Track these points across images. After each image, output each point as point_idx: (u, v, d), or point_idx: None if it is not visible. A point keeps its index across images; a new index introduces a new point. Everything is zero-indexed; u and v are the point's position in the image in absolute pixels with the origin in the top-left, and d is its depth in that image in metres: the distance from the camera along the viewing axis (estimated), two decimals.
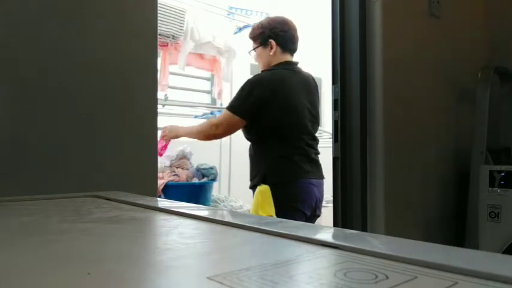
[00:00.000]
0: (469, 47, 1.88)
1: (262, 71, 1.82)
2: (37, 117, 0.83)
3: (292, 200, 1.62)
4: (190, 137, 1.92)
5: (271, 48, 1.78)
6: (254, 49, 1.85)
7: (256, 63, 1.92)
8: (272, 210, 1.54)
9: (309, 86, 1.79)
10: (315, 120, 1.76)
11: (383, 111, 1.46)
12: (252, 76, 1.82)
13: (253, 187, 1.70)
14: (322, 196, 1.72)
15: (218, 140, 3.55)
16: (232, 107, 1.70)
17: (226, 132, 1.83)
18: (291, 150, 1.66)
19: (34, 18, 0.83)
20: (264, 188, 1.58)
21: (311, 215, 1.67)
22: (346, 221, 1.46)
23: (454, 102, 1.81)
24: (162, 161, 2.24)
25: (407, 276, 0.26)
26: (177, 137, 1.98)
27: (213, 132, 1.78)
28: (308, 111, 1.73)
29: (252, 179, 1.73)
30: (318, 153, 1.73)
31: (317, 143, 1.75)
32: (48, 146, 0.84)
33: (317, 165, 1.71)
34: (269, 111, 1.65)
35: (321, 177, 1.72)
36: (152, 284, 0.25)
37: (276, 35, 1.78)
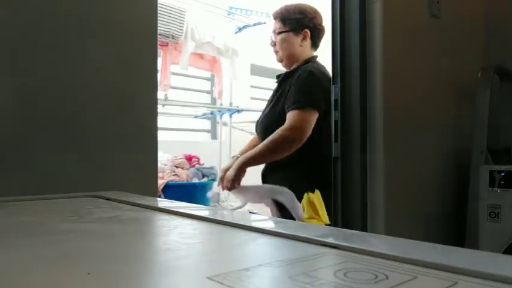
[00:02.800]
0: (469, 47, 1.88)
1: (303, 64, 1.61)
2: (37, 117, 0.83)
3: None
4: (262, 161, 1.57)
5: (304, 39, 1.62)
6: (281, 32, 1.64)
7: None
8: (327, 217, 1.46)
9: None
10: None
11: (383, 111, 1.46)
12: (308, 69, 1.58)
13: (301, 192, 1.47)
14: None
15: (218, 140, 3.56)
16: (299, 103, 1.48)
17: (302, 132, 1.48)
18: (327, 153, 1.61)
19: (34, 19, 0.83)
20: (318, 194, 1.44)
21: None
22: (346, 221, 1.46)
23: (454, 102, 1.81)
24: (162, 161, 2.25)
25: (407, 276, 0.26)
26: (241, 172, 1.52)
27: (288, 137, 1.46)
28: None
29: (293, 184, 1.49)
30: None
31: None
32: (49, 146, 0.84)
33: None
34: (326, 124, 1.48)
35: None
36: (152, 284, 0.25)
37: (314, 27, 1.62)
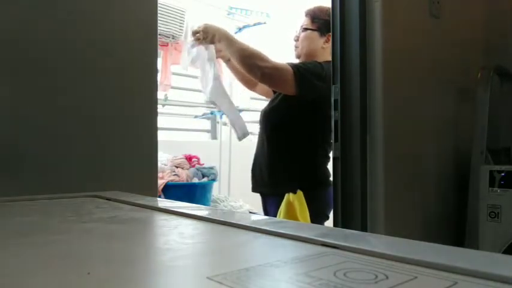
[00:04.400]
0: (469, 47, 1.88)
1: (326, 64, 1.60)
2: (37, 117, 0.83)
3: (325, 206, 1.57)
4: (232, 54, 1.56)
5: (327, 41, 1.61)
6: (307, 29, 1.64)
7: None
8: (308, 218, 1.47)
9: None
10: None
11: (383, 111, 1.46)
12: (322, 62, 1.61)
13: (281, 194, 1.53)
14: None
15: (218, 140, 3.55)
16: (290, 64, 1.50)
17: (271, 75, 1.50)
18: (325, 156, 1.61)
19: (34, 17, 0.83)
20: (300, 195, 1.47)
21: None
22: (346, 221, 1.46)
23: (454, 102, 1.81)
24: (162, 161, 2.25)
25: (407, 276, 0.26)
26: (213, 41, 1.55)
27: (258, 63, 1.47)
28: None
29: (278, 184, 1.56)
30: None
31: None
32: (48, 146, 0.84)
33: None
34: (328, 112, 1.49)
35: None
36: (152, 284, 0.25)
37: None
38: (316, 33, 1.65)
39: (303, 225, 0.43)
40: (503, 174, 1.54)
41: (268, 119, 1.65)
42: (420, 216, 1.63)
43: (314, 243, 0.34)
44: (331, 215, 1.56)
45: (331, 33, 1.57)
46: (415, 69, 1.61)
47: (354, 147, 1.47)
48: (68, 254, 0.32)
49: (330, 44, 1.59)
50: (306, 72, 1.53)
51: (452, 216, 1.75)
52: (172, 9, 2.81)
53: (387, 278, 0.25)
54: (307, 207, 1.47)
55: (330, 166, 1.58)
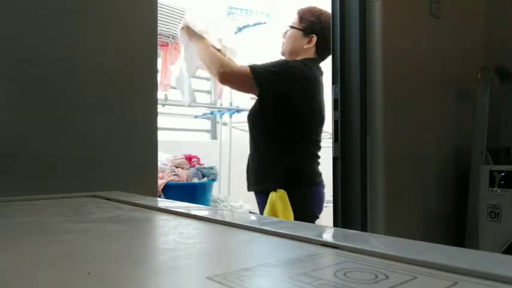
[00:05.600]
0: (469, 47, 1.88)
1: (291, 60, 1.69)
2: (37, 117, 0.83)
3: (311, 206, 1.59)
4: (201, 52, 1.68)
5: (309, 42, 1.66)
6: (293, 28, 1.69)
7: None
8: (291, 217, 1.50)
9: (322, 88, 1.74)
10: (323, 124, 1.73)
11: (383, 111, 1.46)
12: (284, 59, 1.69)
13: (264, 191, 1.58)
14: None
15: (218, 140, 3.55)
16: (251, 64, 1.58)
17: (229, 75, 1.60)
18: (310, 154, 1.63)
19: (34, 18, 0.83)
20: (282, 194, 1.49)
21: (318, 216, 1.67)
22: (346, 221, 1.46)
23: (454, 102, 1.81)
24: (162, 161, 2.24)
25: (407, 276, 0.26)
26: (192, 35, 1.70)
27: (218, 67, 1.58)
28: (323, 114, 1.70)
29: (261, 182, 1.61)
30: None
31: None
32: (48, 145, 0.84)
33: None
34: (296, 107, 1.55)
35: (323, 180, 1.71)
36: (152, 284, 0.25)
37: (323, 35, 1.64)
38: (300, 33, 1.68)
39: (303, 225, 0.43)
40: (503, 174, 1.54)
41: (250, 121, 1.70)
42: (420, 216, 1.63)
43: (314, 243, 0.34)
44: (330, 215, 1.56)
45: (314, 35, 1.64)
46: (415, 69, 1.62)
47: (354, 147, 1.47)
48: (68, 254, 0.32)
49: (312, 45, 1.65)
50: (262, 70, 1.57)
51: (452, 216, 1.75)
52: (172, 9, 2.81)
53: (387, 278, 0.25)
54: (290, 207, 1.48)
55: (330, 166, 1.58)
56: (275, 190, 1.52)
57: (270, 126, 1.61)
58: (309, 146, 1.63)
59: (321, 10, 1.70)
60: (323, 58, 1.72)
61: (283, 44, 1.74)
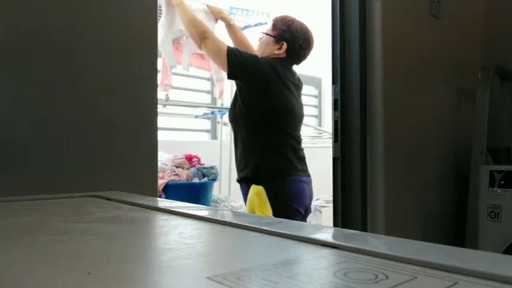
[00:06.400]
0: (469, 47, 1.88)
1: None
2: (37, 117, 0.83)
3: (289, 199, 1.61)
4: (182, 16, 1.80)
5: (280, 49, 1.74)
6: (267, 34, 1.79)
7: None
8: (270, 212, 1.51)
9: (300, 86, 1.80)
10: (302, 121, 1.78)
11: (383, 111, 1.46)
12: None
13: (242, 180, 1.66)
14: (312, 194, 1.73)
15: (218, 140, 3.56)
16: (230, 47, 1.68)
17: (209, 43, 1.69)
18: (285, 145, 1.66)
19: (34, 16, 0.83)
20: (259, 190, 1.51)
21: (304, 214, 1.68)
22: (346, 221, 1.46)
23: (454, 102, 1.81)
24: (162, 161, 2.25)
25: (407, 276, 0.26)
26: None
27: (201, 31, 1.69)
28: (300, 110, 1.75)
29: (240, 170, 1.69)
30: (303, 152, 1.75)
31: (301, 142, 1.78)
32: (48, 145, 0.84)
33: (305, 164, 1.72)
34: (269, 98, 1.63)
35: (309, 175, 1.72)
36: (152, 284, 0.25)
37: (292, 44, 1.73)
38: (272, 39, 1.76)
39: (303, 225, 0.43)
40: (503, 174, 1.54)
41: (230, 117, 1.79)
42: (420, 216, 1.63)
43: (314, 243, 0.34)
44: (330, 215, 1.56)
45: (284, 43, 1.72)
46: (415, 69, 1.62)
47: (354, 147, 1.47)
48: (68, 254, 0.32)
49: (282, 51, 1.74)
50: (238, 52, 1.66)
51: (452, 216, 1.75)
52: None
53: (387, 278, 0.25)
54: (268, 203, 1.49)
55: (330, 166, 1.58)
56: (252, 180, 1.56)
57: (243, 116, 1.68)
58: (282, 136, 1.65)
59: (293, 19, 1.79)
60: (294, 63, 1.80)
61: (257, 48, 1.84)
